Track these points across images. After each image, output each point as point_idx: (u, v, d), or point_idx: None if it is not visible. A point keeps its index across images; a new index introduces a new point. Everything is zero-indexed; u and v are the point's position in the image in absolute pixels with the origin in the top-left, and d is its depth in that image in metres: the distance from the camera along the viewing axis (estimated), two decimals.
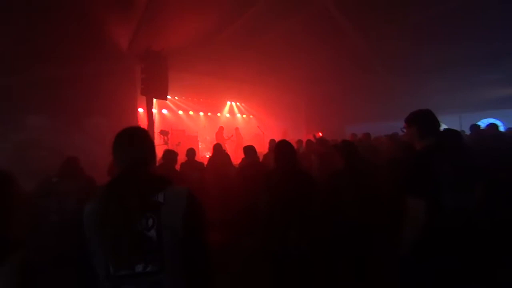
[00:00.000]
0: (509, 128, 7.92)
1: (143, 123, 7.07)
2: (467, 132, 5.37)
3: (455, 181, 1.70)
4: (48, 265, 2.01)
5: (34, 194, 3.02)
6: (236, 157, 8.00)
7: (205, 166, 4.96)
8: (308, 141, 5.70)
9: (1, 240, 1.01)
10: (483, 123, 9.39)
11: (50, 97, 5.18)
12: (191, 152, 4.76)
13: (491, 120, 10.63)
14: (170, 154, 3.99)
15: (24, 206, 2.67)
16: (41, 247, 2.49)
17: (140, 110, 8.05)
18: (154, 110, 7.29)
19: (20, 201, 1.17)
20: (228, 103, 12.76)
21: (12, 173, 1.16)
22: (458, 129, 3.30)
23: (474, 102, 10.69)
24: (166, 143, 7.55)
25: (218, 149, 5.25)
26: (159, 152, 4.17)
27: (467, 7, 6.23)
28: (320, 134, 10.40)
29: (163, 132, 7.74)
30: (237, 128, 11.06)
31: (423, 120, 1.86)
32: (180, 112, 11.16)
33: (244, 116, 13.50)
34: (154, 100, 7.27)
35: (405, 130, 1.95)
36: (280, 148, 2.55)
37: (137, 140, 1.18)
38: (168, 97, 7.86)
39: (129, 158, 1.13)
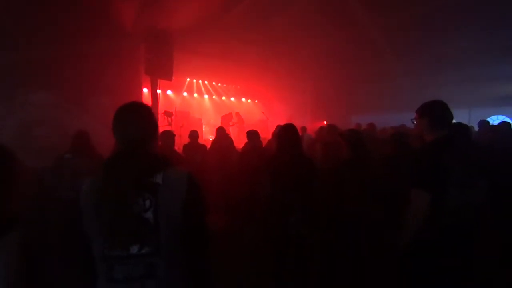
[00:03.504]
0: None
1: (147, 103, 7.02)
2: (476, 128, 5.26)
3: (463, 177, 1.66)
4: (58, 243, 2.03)
5: (50, 171, 3.01)
6: (239, 141, 7.96)
7: (207, 149, 4.95)
8: (320, 128, 5.62)
9: (0, 215, 0.99)
10: (492, 119, 9.21)
11: (54, 74, 5.12)
12: (194, 134, 4.73)
13: (501, 117, 10.44)
14: (167, 135, 3.81)
15: (26, 183, 2.66)
16: (53, 224, 2.52)
17: (145, 90, 7.98)
18: (159, 91, 7.20)
19: (20, 177, 1.14)
20: (233, 86, 12.60)
21: (12, 148, 1.14)
22: (467, 124, 3.22)
23: (485, 97, 10.43)
24: (170, 124, 7.53)
25: (221, 133, 5.22)
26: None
27: None
28: (325, 122, 10.30)
29: (167, 113, 7.70)
30: (237, 113, 10.96)
31: (436, 112, 1.79)
32: (185, 94, 11.07)
33: (249, 100, 13.36)
34: (159, 80, 7.19)
35: (415, 122, 1.89)
36: (285, 131, 2.50)
37: (138, 117, 1.12)
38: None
39: (128, 135, 1.09)
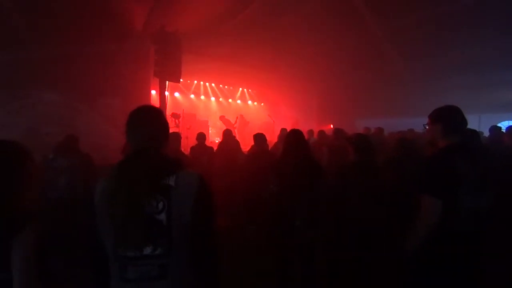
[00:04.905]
0: None
1: (155, 105, 7.08)
2: (486, 133, 5.17)
3: (475, 183, 1.64)
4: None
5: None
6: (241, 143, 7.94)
7: (214, 151, 4.96)
8: (321, 132, 5.59)
9: (17, 211, 1.02)
10: (503, 125, 9.03)
11: (65, 75, 5.23)
12: (201, 136, 4.75)
13: None
14: (174, 137, 3.81)
15: (37, 180, 2.75)
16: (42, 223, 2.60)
17: (153, 92, 8.06)
18: (167, 93, 7.27)
19: (34, 174, 1.17)
20: (240, 89, 12.65)
21: (27, 147, 1.16)
22: (477, 130, 3.18)
23: (495, 103, 10.26)
24: (177, 126, 7.60)
25: (228, 135, 5.23)
26: None
27: (492, 2, 5.92)
28: (331, 126, 10.24)
29: (175, 115, 7.77)
30: (241, 115, 10.98)
31: (450, 118, 1.74)
32: (192, 96, 11.14)
33: (255, 103, 13.37)
34: (167, 82, 7.26)
35: (427, 127, 1.84)
36: (292, 136, 2.52)
37: (151, 119, 1.14)
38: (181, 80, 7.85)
39: (142, 137, 1.10)
